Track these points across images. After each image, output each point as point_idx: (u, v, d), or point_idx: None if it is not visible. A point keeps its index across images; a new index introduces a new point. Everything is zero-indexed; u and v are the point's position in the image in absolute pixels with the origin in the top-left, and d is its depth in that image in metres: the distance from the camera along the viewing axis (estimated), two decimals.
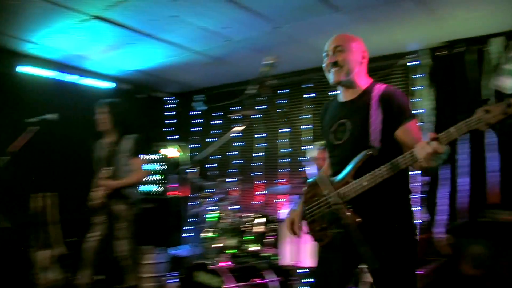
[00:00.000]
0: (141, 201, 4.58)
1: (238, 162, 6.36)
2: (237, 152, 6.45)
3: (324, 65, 2.49)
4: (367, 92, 2.41)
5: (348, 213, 2.20)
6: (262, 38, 4.67)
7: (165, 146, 6.91)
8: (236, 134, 6.01)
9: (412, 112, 2.34)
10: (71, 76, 5.98)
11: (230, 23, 4.31)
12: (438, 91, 4.81)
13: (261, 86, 2.10)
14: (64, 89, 5.89)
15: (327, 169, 2.65)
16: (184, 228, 6.09)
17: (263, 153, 6.31)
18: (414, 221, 2.37)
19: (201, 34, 4.63)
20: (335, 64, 2.41)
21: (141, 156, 4.41)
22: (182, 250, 6.36)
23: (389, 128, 2.28)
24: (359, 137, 2.33)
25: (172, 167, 6.26)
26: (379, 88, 2.39)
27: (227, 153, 6.46)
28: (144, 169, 4.46)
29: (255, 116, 5.84)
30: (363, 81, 2.47)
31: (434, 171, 4.56)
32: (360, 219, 2.18)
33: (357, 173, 2.25)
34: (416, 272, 2.35)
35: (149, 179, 6.14)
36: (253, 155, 6.39)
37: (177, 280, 5.27)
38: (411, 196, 2.40)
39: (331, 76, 2.44)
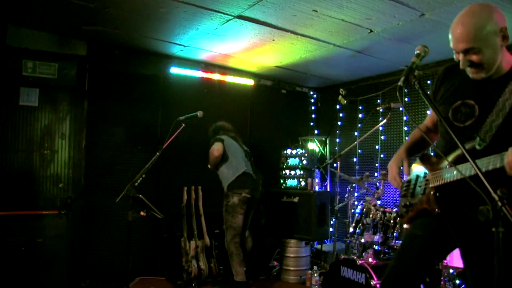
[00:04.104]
0: (238, 192, 4.94)
1: (382, 157, 6.10)
2: (378, 147, 6.17)
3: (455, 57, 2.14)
4: (506, 76, 2.06)
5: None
6: (406, 27, 4.36)
7: (309, 141, 6.92)
8: (381, 128, 5.80)
9: None
10: (216, 75, 6.28)
11: (372, 14, 4.11)
12: None
13: (408, 77, 1.94)
14: (210, 87, 6.21)
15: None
16: (328, 222, 6.04)
17: None
18: None
19: (341, 27, 4.48)
20: (471, 65, 2.05)
21: (215, 143, 5.05)
22: (327, 245, 6.33)
23: None
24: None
25: (315, 161, 6.25)
26: None
27: (375, 147, 6.21)
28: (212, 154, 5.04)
29: (401, 108, 5.54)
30: (506, 62, 2.08)
31: None
32: None
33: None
34: None
35: (292, 174, 6.22)
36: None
37: (321, 274, 5.26)
38: None
39: (469, 74, 2.10)
